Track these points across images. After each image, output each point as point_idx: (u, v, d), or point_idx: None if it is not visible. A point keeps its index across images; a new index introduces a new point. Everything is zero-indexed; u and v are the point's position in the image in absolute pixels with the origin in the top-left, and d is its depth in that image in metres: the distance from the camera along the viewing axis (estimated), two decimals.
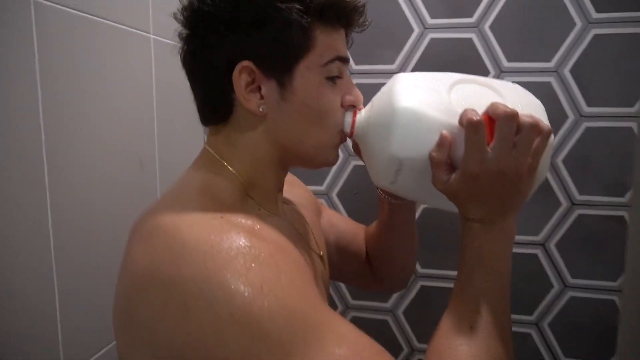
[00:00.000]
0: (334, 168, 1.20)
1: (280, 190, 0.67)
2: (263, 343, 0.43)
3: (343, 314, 1.25)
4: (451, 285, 0.57)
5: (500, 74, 1.09)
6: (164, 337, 0.46)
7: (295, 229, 0.67)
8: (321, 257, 0.73)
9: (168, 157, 1.01)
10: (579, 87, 1.07)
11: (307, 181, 1.20)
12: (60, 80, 0.74)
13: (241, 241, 0.47)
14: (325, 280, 0.72)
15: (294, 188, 0.81)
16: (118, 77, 0.86)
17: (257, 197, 0.61)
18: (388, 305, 1.22)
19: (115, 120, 0.85)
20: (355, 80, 1.13)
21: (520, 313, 1.14)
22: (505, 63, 1.09)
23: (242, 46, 0.54)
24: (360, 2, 0.58)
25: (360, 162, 1.14)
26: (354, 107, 0.61)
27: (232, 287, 0.44)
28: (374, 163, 0.60)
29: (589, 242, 1.10)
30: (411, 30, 1.13)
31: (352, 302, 1.25)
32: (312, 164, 0.63)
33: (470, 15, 1.10)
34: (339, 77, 0.59)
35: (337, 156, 0.63)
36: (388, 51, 1.15)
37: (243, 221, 0.53)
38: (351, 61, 1.15)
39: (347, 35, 0.62)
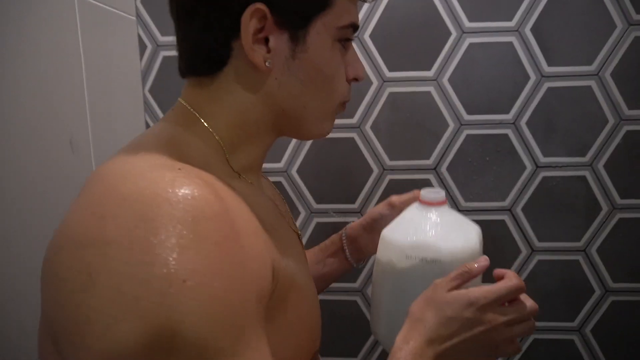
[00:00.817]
0: (292, 141, 1.12)
1: (261, 163, 0.61)
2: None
3: None
4: None
5: (462, 34, 1.05)
6: (51, 308, 0.38)
7: (276, 204, 0.61)
8: (299, 235, 0.67)
9: (104, 136, 0.88)
10: (540, 47, 1.04)
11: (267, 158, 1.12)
12: None
13: (188, 210, 0.37)
14: (304, 259, 0.67)
15: None
16: (41, 45, 0.72)
17: (236, 164, 0.54)
18: (356, 285, 1.17)
19: (39, 97, 0.72)
20: None
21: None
22: (467, 23, 1.05)
23: None
24: None
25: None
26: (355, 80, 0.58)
27: (153, 268, 0.35)
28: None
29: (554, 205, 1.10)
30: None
31: None
32: (308, 134, 0.58)
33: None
34: (347, 43, 0.55)
35: (331, 129, 0.60)
36: None
37: (210, 179, 0.45)
38: None
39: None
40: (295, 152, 1.12)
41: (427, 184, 1.12)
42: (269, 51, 0.48)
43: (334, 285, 1.15)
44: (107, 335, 0.34)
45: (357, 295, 1.18)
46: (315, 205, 1.15)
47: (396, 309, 0.65)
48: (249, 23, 0.47)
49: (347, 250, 0.82)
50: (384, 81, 1.08)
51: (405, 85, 1.08)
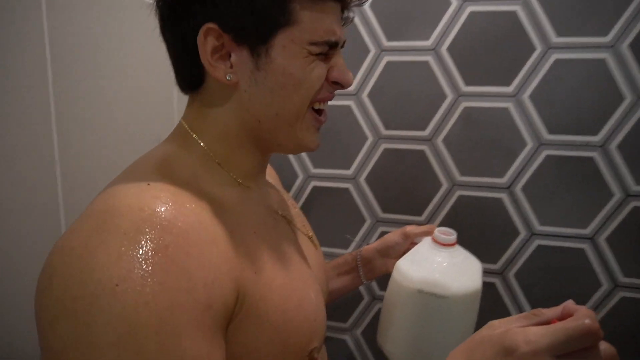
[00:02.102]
0: (363, 150, 1.15)
1: (262, 172, 0.64)
2: (84, 345, 0.37)
3: None
4: None
5: (548, 50, 1.00)
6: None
7: (274, 208, 0.64)
8: (310, 238, 0.70)
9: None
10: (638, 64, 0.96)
11: (331, 164, 1.16)
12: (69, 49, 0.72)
13: (134, 221, 0.40)
14: (318, 261, 0.71)
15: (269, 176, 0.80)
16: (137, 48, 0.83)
17: (235, 172, 0.58)
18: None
19: (130, 101, 0.84)
20: (387, 58, 1.11)
21: None
22: (554, 38, 0.99)
23: (208, 7, 0.50)
24: None
25: (391, 145, 1.11)
26: (335, 88, 0.58)
27: (93, 273, 0.38)
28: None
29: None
30: (449, 3, 1.04)
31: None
32: (289, 144, 0.58)
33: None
34: (329, 51, 0.55)
35: (317, 141, 0.59)
36: (422, 26, 1.07)
37: (178, 192, 0.47)
38: (382, 37, 1.08)
39: (344, 10, 0.58)
40: (365, 160, 1.15)
41: (499, 204, 1.08)
42: (232, 66, 0.51)
43: None
44: (49, 333, 0.38)
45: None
46: (381, 214, 1.16)
47: (404, 330, 0.75)
48: (204, 42, 0.50)
49: (361, 270, 0.89)
50: (459, 95, 1.07)
51: (482, 100, 1.06)
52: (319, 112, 0.58)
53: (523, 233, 1.07)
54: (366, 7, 1.10)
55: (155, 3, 0.54)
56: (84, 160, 0.79)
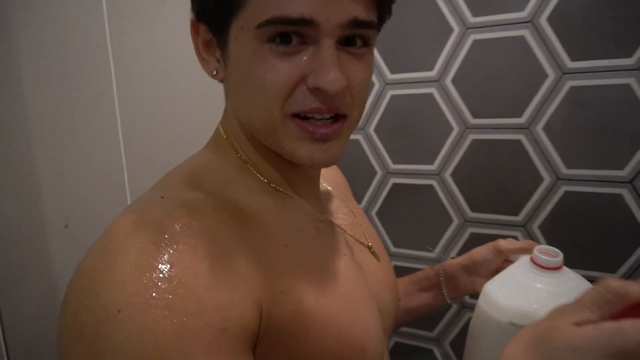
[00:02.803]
0: (447, 142, 1.02)
1: (307, 178, 0.56)
2: None
3: None
4: None
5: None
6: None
7: (321, 217, 0.56)
8: (370, 248, 0.61)
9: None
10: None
11: (412, 159, 1.05)
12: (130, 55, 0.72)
13: (146, 234, 0.37)
14: (380, 276, 0.61)
15: (329, 169, 0.72)
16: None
17: (269, 178, 0.52)
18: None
19: (193, 103, 0.82)
20: (474, 36, 0.97)
21: None
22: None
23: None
24: None
25: (481, 136, 0.98)
26: (324, 96, 0.43)
27: (98, 298, 0.35)
28: None
29: None
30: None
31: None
32: (285, 155, 0.48)
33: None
34: (296, 40, 0.42)
35: (315, 155, 0.46)
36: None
37: (195, 204, 0.41)
38: (467, 14, 0.95)
39: None
40: (450, 153, 1.02)
41: (619, 201, 0.89)
42: (218, 60, 0.47)
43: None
44: (62, 357, 0.36)
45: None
46: (470, 214, 1.03)
47: None
48: (195, 36, 0.47)
49: (444, 288, 0.77)
50: (564, 73, 0.90)
51: (594, 77, 0.88)
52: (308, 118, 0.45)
53: None
54: None
55: None
56: (150, 165, 0.79)
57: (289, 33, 0.41)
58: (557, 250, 0.60)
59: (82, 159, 0.68)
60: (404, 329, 1.14)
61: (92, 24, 0.69)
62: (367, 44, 0.46)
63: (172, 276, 0.36)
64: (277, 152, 0.49)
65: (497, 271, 0.71)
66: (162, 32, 0.79)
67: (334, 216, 0.60)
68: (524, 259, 0.63)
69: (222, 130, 0.53)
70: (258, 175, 0.51)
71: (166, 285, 0.35)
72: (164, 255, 0.36)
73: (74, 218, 0.67)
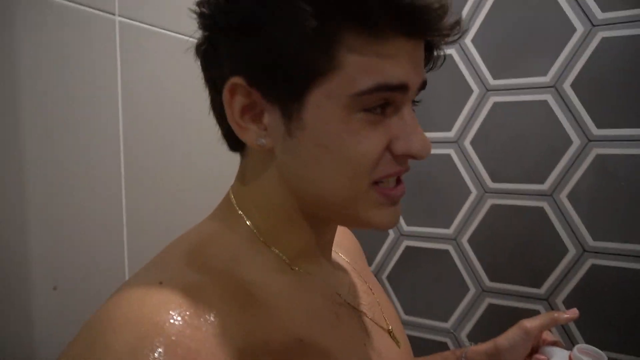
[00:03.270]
0: (465, 206, 0.97)
1: (324, 251, 0.51)
2: None
3: None
4: None
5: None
6: None
7: (338, 299, 0.50)
8: (390, 333, 0.54)
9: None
10: None
11: (427, 221, 1.00)
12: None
13: (136, 333, 0.32)
14: (380, 355, 0.53)
15: (341, 234, 0.65)
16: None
17: (285, 254, 0.46)
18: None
19: (202, 152, 0.78)
20: (494, 98, 0.95)
21: None
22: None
23: (234, 59, 0.40)
24: (434, 0, 0.36)
25: (501, 201, 0.93)
26: (406, 159, 0.41)
27: None
28: None
29: None
30: (572, 29, 0.86)
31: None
32: (348, 222, 0.46)
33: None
34: (387, 108, 0.40)
35: (392, 219, 0.43)
36: (539, 59, 0.89)
37: (198, 292, 0.37)
38: (487, 76, 0.93)
39: (431, 50, 0.44)
40: (468, 217, 0.97)
41: None
42: (266, 128, 0.41)
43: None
44: None
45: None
46: (487, 283, 0.96)
47: None
48: (231, 100, 0.40)
49: None
50: (589, 140, 0.86)
51: (622, 145, 0.84)
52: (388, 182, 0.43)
53: None
54: (467, 40, 0.95)
55: (195, 45, 0.46)
56: (151, 225, 0.74)
57: (388, 102, 0.39)
58: (598, 350, 0.54)
59: (78, 214, 0.63)
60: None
61: (103, 73, 0.67)
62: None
63: None
64: (306, 221, 0.46)
65: (529, 355, 0.64)
66: (173, 82, 0.76)
67: (351, 295, 0.54)
68: (560, 355, 0.57)
69: (235, 199, 0.47)
70: (274, 249, 0.46)
71: None
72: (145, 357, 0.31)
73: (64, 279, 0.61)
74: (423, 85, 0.42)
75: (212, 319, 0.35)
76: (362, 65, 0.37)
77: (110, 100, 0.66)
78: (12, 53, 0.55)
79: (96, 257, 0.65)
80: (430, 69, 0.46)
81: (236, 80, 0.39)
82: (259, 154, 0.44)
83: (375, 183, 0.41)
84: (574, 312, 0.65)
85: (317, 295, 0.47)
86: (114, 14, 0.65)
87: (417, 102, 0.44)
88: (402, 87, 0.39)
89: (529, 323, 0.64)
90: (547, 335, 0.66)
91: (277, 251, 0.46)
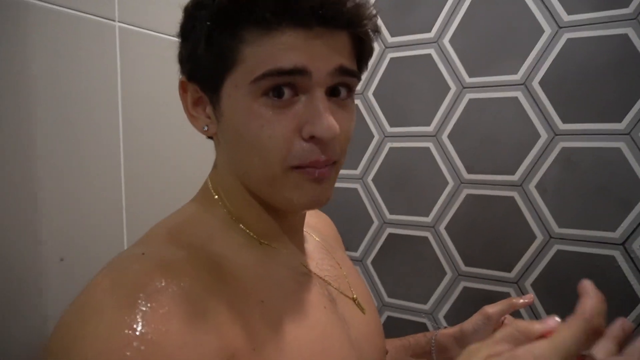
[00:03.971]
0: (443, 195, 1.04)
1: (292, 229, 0.57)
2: None
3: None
4: None
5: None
6: None
7: (304, 270, 0.57)
8: (355, 300, 0.60)
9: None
10: None
11: (408, 210, 1.07)
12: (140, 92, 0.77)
13: (121, 292, 0.38)
14: (364, 329, 0.60)
15: (319, 221, 0.72)
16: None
17: (255, 231, 0.53)
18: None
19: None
20: (469, 95, 1.01)
21: None
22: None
23: (181, 59, 0.49)
24: None
25: (475, 191, 0.99)
26: (324, 146, 0.45)
27: (69, 353, 0.36)
28: None
29: None
30: (540, 31, 0.92)
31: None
32: (278, 204, 0.50)
33: (627, 5, 0.85)
34: (288, 93, 0.44)
35: (313, 196, 0.47)
36: (510, 59, 0.95)
37: (174, 261, 0.43)
38: (464, 74, 0.99)
39: (358, 40, 0.47)
40: (445, 207, 1.04)
41: (612, 263, 0.89)
42: (208, 117, 0.49)
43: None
44: None
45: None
46: (463, 268, 1.03)
47: None
48: (183, 95, 0.49)
49: (435, 359, 0.74)
50: (556, 134, 0.92)
51: (586, 139, 0.90)
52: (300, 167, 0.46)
53: None
54: (445, 41, 1.02)
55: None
56: (148, 204, 0.82)
57: (281, 85, 0.43)
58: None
59: (82, 194, 0.72)
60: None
61: (104, 76, 0.74)
62: (350, 93, 0.49)
63: (144, 334, 0.37)
64: (268, 202, 0.51)
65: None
66: (171, 84, 0.84)
67: (318, 267, 0.60)
68: None
69: (210, 184, 0.54)
70: (243, 228, 0.52)
71: (137, 343, 0.36)
72: (138, 314, 0.37)
73: (69, 252, 0.69)
74: (341, 69, 0.45)
75: (183, 283, 0.41)
76: (259, 56, 0.43)
77: (111, 101, 0.74)
78: (23, 60, 0.63)
79: (98, 233, 0.73)
80: (363, 59, 0.50)
81: (182, 78, 0.49)
82: (216, 142, 0.52)
83: (297, 168, 0.46)
84: (529, 297, 0.72)
85: (281, 266, 0.54)
86: (114, 20, 0.73)
87: (351, 90, 0.48)
88: (300, 71, 0.42)
89: (490, 309, 0.71)
90: (507, 320, 0.72)
91: (246, 229, 0.53)
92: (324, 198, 0.49)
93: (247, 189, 0.51)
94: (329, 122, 0.44)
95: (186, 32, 0.48)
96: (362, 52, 0.49)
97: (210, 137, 0.55)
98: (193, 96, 0.49)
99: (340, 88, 0.47)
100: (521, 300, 0.71)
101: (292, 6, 0.41)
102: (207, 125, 0.49)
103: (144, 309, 0.38)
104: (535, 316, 0.96)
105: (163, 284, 0.40)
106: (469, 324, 0.72)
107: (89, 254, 0.72)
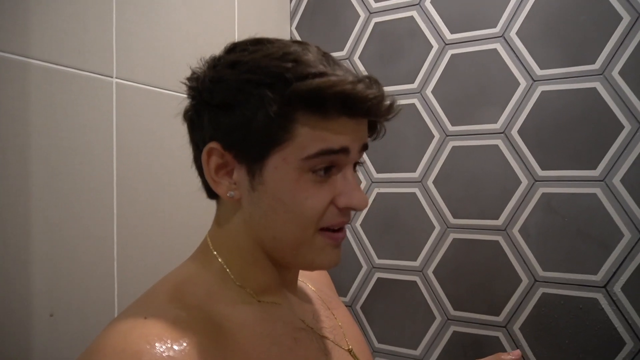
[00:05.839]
0: (430, 240, 1.06)
1: (289, 285, 0.60)
2: None
3: None
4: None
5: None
6: None
7: (300, 325, 0.58)
8: (350, 352, 0.61)
9: None
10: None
11: (396, 254, 1.09)
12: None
13: (120, 358, 0.40)
14: None
15: (314, 278, 0.74)
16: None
17: (252, 289, 0.54)
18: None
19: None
20: (453, 143, 1.05)
21: None
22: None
23: (213, 127, 0.50)
24: (371, 92, 0.47)
25: (461, 235, 1.02)
26: (348, 211, 0.52)
27: None
28: None
29: None
30: (517, 83, 0.98)
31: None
32: (299, 266, 0.55)
33: (593, 62, 0.91)
34: (331, 170, 0.50)
35: (334, 259, 0.53)
36: (490, 109, 1.01)
37: (175, 325, 0.45)
38: (446, 122, 1.04)
39: (374, 124, 0.55)
40: (432, 251, 1.06)
41: (596, 305, 0.92)
42: (235, 182, 0.51)
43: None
44: None
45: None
46: (452, 312, 1.04)
47: None
48: (208, 160, 0.51)
49: None
50: (536, 180, 0.96)
51: (564, 185, 0.94)
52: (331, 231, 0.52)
53: (631, 344, 0.88)
54: (428, 92, 1.07)
55: (183, 111, 0.56)
56: (140, 260, 0.82)
57: (330, 166, 0.49)
58: None
59: (74, 248, 0.72)
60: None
61: (100, 128, 0.76)
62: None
63: None
64: (271, 262, 0.54)
65: None
66: (163, 135, 0.86)
67: (315, 320, 0.61)
68: None
69: (211, 242, 0.56)
70: (241, 286, 0.54)
71: None
72: None
73: (59, 306, 0.69)
74: (364, 147, 0.53)
75: (183, 348, 0.42)
76: (312, 137, 0.47)
77: (106, 154, 0.76)
78: (21, 114, 0.65)
79: (89, 289, 0.73)
80: (375, 138, 0.57)
81: (213, 144, 0.50)
82: (230, 204, 0.53)
83: (326, 230, 0.51)
84: (517, 354, 0.74)
85: (278, 323, 0.54)
86: (111, 77, 0.76)
87: (361, 163, 0.55)
88: (344, 150, 0.49)
89: (504, 357, 0.74)
90: None
91: (244, 287, 0.54)
92: (339, 260, 0.54)
93: (262, 250, 0.53)
94: (363, 196, 0.51)
95: (233, 101, 0.48)
96: (377, 133, 0.57)
97: (211, 198, 0.56)
98: (217, 162, 0.51)
99: (356, 164, 0.54)
100: (509, 357, 0.73)
101: (356, 106, 0.47)
102: (232, 191, 0.51)
103: None
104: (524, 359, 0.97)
105: (164, 352, 0.41)
106: None
107: (79, 309, 0.71)
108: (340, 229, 0.52)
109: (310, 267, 0.53)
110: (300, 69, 0.46)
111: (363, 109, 0.48)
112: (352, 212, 0.53)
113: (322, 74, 0.46)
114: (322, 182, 0.49)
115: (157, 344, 0.41)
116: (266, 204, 0.50)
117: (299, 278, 0.64)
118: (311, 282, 0.70)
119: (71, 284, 0.71)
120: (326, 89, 0.45)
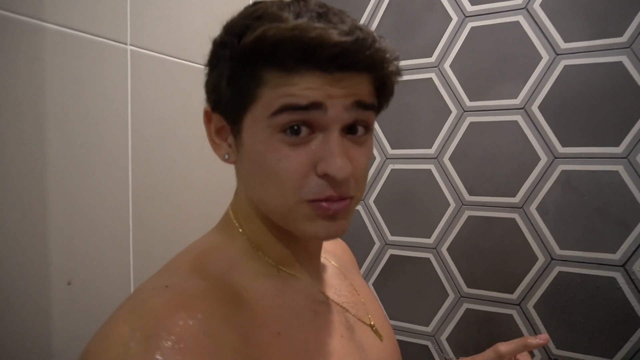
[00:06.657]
0: (444, 217, 1.05)
1: (310, 256, 0.58)
2: None
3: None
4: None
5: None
6: None
7: (321, 298, 0.57)
8: (372, 327, 0.61)
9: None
10: None
11: (410, 231, 1.08)
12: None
13: (141, 324, 0.40)
14: (383, 355, 0.60)
15: (336, 246, 0.73)
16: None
17: (273, 259, 0.53)
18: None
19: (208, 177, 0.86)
20: (470, 119, 1.03)
21: None
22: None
23: (206, 90, 0.51)
24: (331, 38, 0.41)
25: (477, 213, 1.00)
26: (337, 183, 0.46)
27: None
28: None
29: None
30: (539, 57, 0.95)
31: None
32: (297, 233, 0.50)
33: (620, 34, 0.88)
34: (304, 130, 0.45)
35: (326, 230, 0.48)
36: (510, 84, 0.98)
37: (195, 294, 0.44)
38: (464, 98, 1.02)
39: (379, 81, 0.48)
40: (447, 228, 1.05)
41: (613, 284, 0.90)
42: (230, 146, 0.50)
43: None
44: None
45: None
46: (465, 289, 1.04)
47: None
48: (207, 123, 0.51)
49: None
50: (555, 157, 0.94)
51: (584, 162, 0.92)
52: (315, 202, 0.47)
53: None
54: (446, 66, 1.04)
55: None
56: (154, 227, 0.82)
57: (299, 124, 0.44)
58: None
59: (91, 218, 0.71)
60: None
61: (115, 96, 0.75)
62: (368, 130, 0.49)
63: None
64: (286, 230, 0.51)
65: None
66: (178, 104, 0.85)
67: (336, 294, 0.60)
68: None
69: (232, 212, 0.55)
70: (262, 255, 0.53)
71: None
72: (158, 348, 0.39)
73: (77, 275, 0.69)
74: (358, 104, 0.46)
75: (201, 316, 0.42)
76: (276, 93, 0.44)
77: (121, 123, 0.75)
78: (36, 80, 0.64)
79: (105, 257, 0.73)
80: (384, 97, 0.51)
81: (207, 108, 0.51)
82: (236, 170, 0.53)
83: (311, 201, 0.46)
84: (544, 338, 0.71)
85: (299, 294, 0.54)
86: (126, 44, 0.74)
87: (368, 127, 0.49)
88: (315, 106, 0.43)
89: (504, 347, 0.70)
90: (521, 357, 0.72)
91: (265, 257, 0.53)
92: (340, 232, 0.49)
93: (264, 217, 0.52)
94: (341, 162, 0.44)
95: (212, 65, 0.49)
96: (383, 92, 0.50)
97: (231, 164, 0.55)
98: (216, 125, 0.51)
99: (358, 126, 0.48)
100: (536, 341, 0.71)
101: (312, 53, 0.42)
102: (227, 154, 0.51)
103: (164, 343, 0.39)
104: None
105: (183, 319, 0.41)
106: (481, 359, 0.72)
107: (95, 277, 0.71)
108: (336, 202, 0.47)
109: (307, 237, 0.50)
110: (258, 24, 0.43)
111: (325, 57, 0.42)
112: (350, 186, 0.47)
113: (272, 27, 0.42)
114: (296, 144, 0.45)
115: (176, 312, 0.41)
116: (248, 167, 0.49)
117: (322, 255, 0.63)
118: (334, 258, 0.69)
119: (88, 252, 0.71)
120: (265, 38, 0.42)
